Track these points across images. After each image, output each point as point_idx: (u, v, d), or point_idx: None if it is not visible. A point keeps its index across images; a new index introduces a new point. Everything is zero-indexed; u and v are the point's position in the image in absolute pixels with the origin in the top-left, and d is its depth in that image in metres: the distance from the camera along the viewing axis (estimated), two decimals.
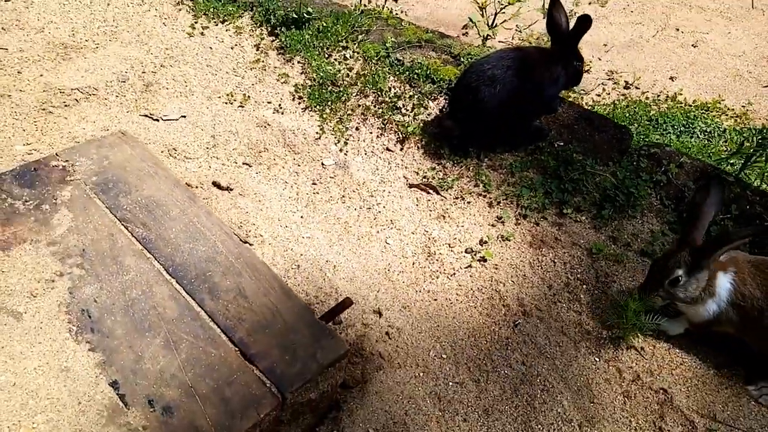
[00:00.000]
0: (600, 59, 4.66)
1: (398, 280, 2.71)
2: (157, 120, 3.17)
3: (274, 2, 3.82)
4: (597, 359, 2.48)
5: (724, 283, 2.34)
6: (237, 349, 1.85)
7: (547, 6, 3.96)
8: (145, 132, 3.10)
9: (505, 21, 3.92)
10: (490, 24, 3.86)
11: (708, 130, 4.12)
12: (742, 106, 4.36)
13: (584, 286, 2.74)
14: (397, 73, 3.58)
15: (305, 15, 3.72)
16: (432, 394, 2.28)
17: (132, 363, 1.76)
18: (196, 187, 2.89)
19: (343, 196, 3.07)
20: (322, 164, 3.20)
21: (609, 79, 4.51)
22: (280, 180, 3.10)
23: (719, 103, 4.33)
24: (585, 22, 3.04)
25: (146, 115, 3.17)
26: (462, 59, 3.66)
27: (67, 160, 2.26)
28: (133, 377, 1.72)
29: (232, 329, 1.89)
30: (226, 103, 3.37)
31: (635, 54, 4.72)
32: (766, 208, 3.00)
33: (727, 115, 4.28)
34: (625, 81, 4.49)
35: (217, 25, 3.80)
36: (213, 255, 2.08)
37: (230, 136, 3.21)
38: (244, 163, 3.15)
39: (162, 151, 3.03)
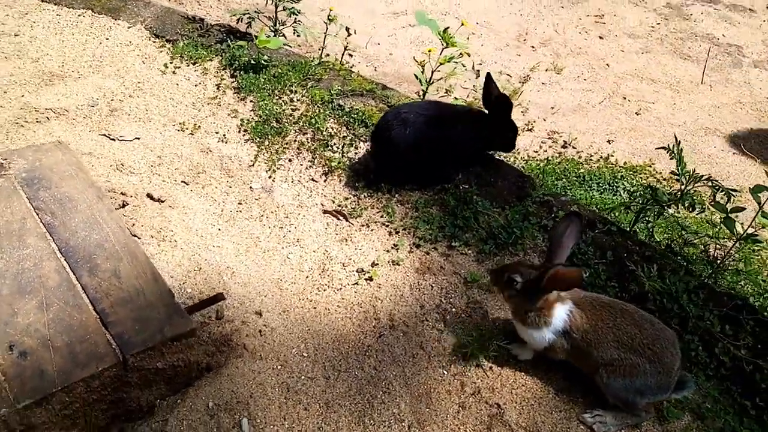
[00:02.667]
0: (545, 120, 5.03)
1: (287, 289, 3.06)
2: (114, 139, 3.68)
3: (240, 50, 4.37)
4: (445, 372, 2.76)
5: (561, 314, 2.60)
6: (98, 316, 2.23)
7: (476, 67, 4.42)
8: (101, 148, 3.60)
9: (441, 78, 4.36)
10: (428, 80, 4.29)
11: (631, 190, 4.41)
12: (671, 172, 4.64)
13: (453, 310, 3.04)
14: (337, 116, 4.04)
15: (263, 62, 4.25)
16: (282, 384, 2.60)
17: (7, 316, 2.16)
18: (131, 196, 3.34)
19: (262, 216, 3.48)
20: (251, 188, 3.64)
21: (549, 138, 4.87)
22: (210, 198, 3.54)
23: (649, 166, 4.63)
24: (503, 100, 3.48)
25: (104, 135, 3.68)
26: None
27: (6, 159, 2.75)
28: (4, 327, 2.12)
29: (99, 301, 2.28)
30: (178, 130, 3.87)
31: (579, 118, 5.09)
32: (643, 258, 3.27)
33: (655, 177, 4.57)
34: (563, 140, 4.84)
35: (188, 65, 4.36)
36: (102, 242, 2.50)
37: (174, 158, 3.69)
38: (182, 182, 3.60)
39: (111, 165, 3.52)
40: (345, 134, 3.95)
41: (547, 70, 5.63)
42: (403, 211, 3.54)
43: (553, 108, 5.20)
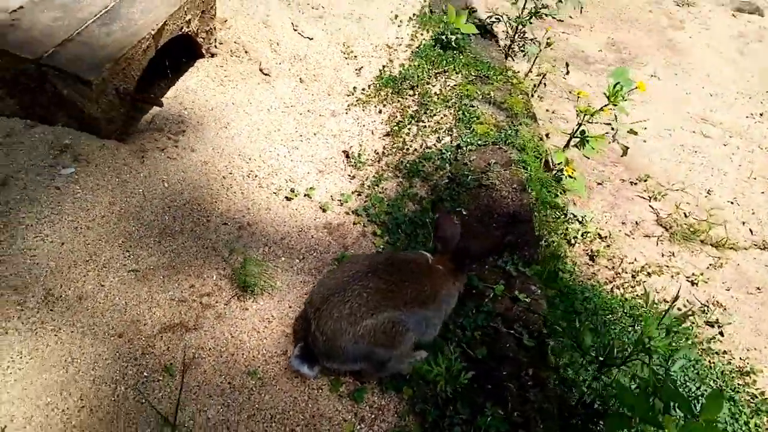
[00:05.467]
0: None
1: (241, 167, 3.28)
2: (295, 30, 4.38)
3: (449, 27, 4.48)
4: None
5: None
6: None
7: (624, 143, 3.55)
8: (280, 30, 4.31)
9: (588, 136, 3.60)
10: (579, 128, 3.62)
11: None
12: None
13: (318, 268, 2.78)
14: (455, 110, 3.83)
15: (453, 44, 4.32)
16: (131, 193, 2.90)
17: None
18: (248, 61, 3.99)
19: (306, 125, 3.71)
20: (328, 108, 3.89)
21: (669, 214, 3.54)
22: (297, 95, 3.92)
23: None
24: None
25: (293, 24, 4.40)
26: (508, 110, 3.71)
27: None
28: None
29: None
30: (342, 51, 4.34)
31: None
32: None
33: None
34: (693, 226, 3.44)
35: (414, 25, 4.73)
36: None
37: (313, 62, 4.18)
38: (299, 77, 4.08)
39: (270, 41, 4.22)
40: (444, 124, 3.75)
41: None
42: (399, 191, 3.29)
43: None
